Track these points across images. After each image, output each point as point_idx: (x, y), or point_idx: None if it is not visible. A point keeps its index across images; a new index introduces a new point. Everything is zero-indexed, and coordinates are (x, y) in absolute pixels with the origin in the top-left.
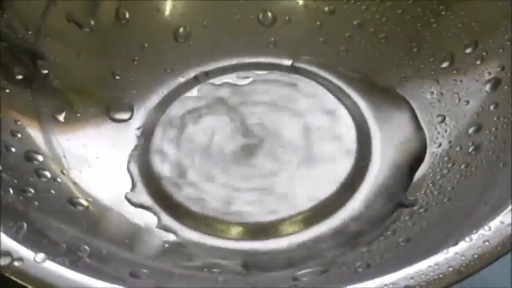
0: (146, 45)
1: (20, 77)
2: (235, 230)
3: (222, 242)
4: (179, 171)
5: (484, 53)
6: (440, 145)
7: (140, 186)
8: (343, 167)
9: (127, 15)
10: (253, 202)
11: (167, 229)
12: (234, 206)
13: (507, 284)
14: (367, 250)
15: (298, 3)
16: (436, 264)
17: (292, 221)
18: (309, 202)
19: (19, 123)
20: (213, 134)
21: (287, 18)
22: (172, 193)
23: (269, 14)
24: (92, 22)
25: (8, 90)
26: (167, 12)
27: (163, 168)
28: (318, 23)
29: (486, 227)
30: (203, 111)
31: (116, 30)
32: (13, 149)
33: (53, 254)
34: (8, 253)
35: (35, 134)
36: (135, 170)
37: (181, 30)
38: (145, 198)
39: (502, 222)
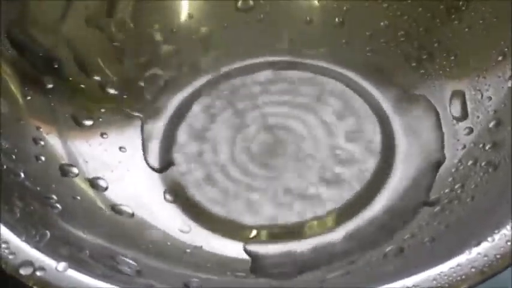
0: (168, 46)
1: (50, 86)
2: (259, 233)
3: (246, 245)
4: (202, 173)
5: (506, 49)
6: (462, 143)
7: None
8: (367, 167)
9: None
10: (276, 204)
11: (191, 233)
12: (258, 208)
13: (507, 284)
14: (391, 250)
15: (317, 3)
16: (458, 265)
17: (316, 223)
18: (333, 203)
19: (41, 129)
20: (236, 135)
21: (308, 18)
22: (196, 195)
23: (289, 14)
24: (111, 26)
25: (29, 98)
26: (188, 14)
27: (185, 169)
28: (338, 22)
29: (508, 227)
30: (225, 111)
31: (136, 34)
32: (43, 158)
33: (76, 262)
34: (29, 263)
35: (57, 140)
36: (158, 173)
37: (203, 31)
38: (169, 200)
39: None
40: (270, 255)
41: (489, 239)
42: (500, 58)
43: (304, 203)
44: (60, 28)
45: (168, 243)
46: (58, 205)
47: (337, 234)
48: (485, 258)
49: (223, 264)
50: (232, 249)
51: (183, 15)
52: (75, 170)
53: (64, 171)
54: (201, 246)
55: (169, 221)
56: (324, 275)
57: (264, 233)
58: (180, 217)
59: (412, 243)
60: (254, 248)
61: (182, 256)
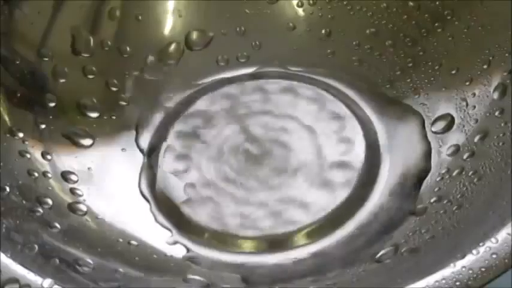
0: (152, 58)
1: (36, 100)
2: (245, 244)
3: (232, 256)
4: (188, 184)
5: (491, 58)
6: (448, 152)
7: (151, 201)
8: (352, 177)
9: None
10: (261, 215)
11: (177, 244)
12: (243, 219)
13: (507, 284)
14: (378, 261)
15: (303, 11)
16: (443, 279)
17: (300, 234)
18: (317, 214)
19: (27, 143)
20: (222, 146)
21: (292, 27)
22: (182, 207)
23: (274, 23)
24: (96, 40)
25: (14, 112)
26: (171, 26)
27: (172, 182)
28: (323, 31)
29: (493, 239)
30: (211, 122)
31: (124, 46)
32: (29, 171)
33: (62, 277)
34: (15, 280)
35: (43, 153)
36: (144, 186)
37: (190, 38)
38: (155, 212)
39: (509, 234)
40: (253, 265)
41: (474, 251)
42: (485, 67)
43: (288, 214)
44: (45, 43)
45: (154, 256)
46: (43, 218)
47: (320, 246)
48: (470, 271)
49: (210, 275)
50: (218, 260)
51: (168, 26)
52: (48, 176)
53: (37, 178)
54: (186, 258)
55: (155, 232)
56: (306, 285)
57: (248, 244)
58: (166, 228)
59: (397, 254)
60: (239, 258)
61: (169, 268)
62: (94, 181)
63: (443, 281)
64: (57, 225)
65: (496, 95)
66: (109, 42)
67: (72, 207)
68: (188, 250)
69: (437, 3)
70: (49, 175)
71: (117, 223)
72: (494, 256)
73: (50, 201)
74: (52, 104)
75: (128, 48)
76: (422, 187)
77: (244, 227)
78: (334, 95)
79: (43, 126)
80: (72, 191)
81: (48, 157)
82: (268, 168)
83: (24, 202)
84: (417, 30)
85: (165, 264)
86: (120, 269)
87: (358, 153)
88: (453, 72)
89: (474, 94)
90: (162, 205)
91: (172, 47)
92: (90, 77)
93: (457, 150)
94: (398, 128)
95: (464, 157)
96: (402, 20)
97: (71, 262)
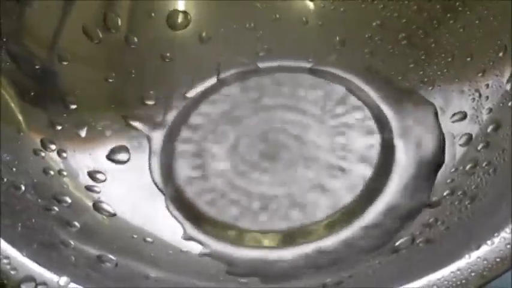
0: (168, 54)
1: (48, 98)
2: (261, 238)
3: (248, 251)
4: (202, 179)
5: (504, 48)
6: (462, 143)
7: (166, 197)
8: (366, 169)
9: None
10: (274, 209)
11: (190, 239)
12: (259, 214)
13: (507, 284)
14: (393, 253)
15: (314, 4)
16: (458, 270)
17: (316, 227)
18: (333, 207)
19: (41, 141)
20: (235, 139)
21: (304, 20)
22: (196, 201)
23: (285, 16)
24: (107, 37)
25: (27, 110)
26: (182, 21)
27: (185, 176)
28: (336, 24)
29: (508, 230)
30: (224, 116)
31: (134, 44)
32: (44, 170)
33: (78, 275)
34: (31, 278)
35: (58, 151)
36: (159, 182)
37: (201, 36)
38: (171, 208)
39: None
40: (267, 260)
41: (488, 242)
42: (499, 56)
43: (301, 209)
44: (56, 41)
45: (170, 252)
46: (59, 216)
47: (336, 239)
48: (485, 262)
49: (227, 271)
50: (237, 255)
51: (179, 21)
52: (64, 174)
53: (52, 176)
54: (202, 254)
55: (171, 228)
56: (324, 279)
57: (260, 238)
58: (180, 225)
59: (413, 246)
60: (253, 253)
61: (185, 264)
62: (108, 178)
63: (459, 272)
64: (73, 223)
65: (509, 86)
66: (121, 38)
67: (96, 206)
68: (204, 246)
69: None
70: (64, 173)
71: (132, 220)
72: (509, 246)
73: (66, 199)
74: (66, 102)
75: (141, 44)
76: (437, 179)
77: (260, 222)
78: (347, 88)
79: (58, 124)
80: (88, 188)
81: (64, 155)
82: (283, 161)
83: (39, 200)
84: (429, 22)
85: (181, 260)
86: (136, 266)
87: (372, 145)
88: (466, 63)
89: (487, 85)
90: (177, 200)
91: (184, 42)
92: (103, 73)
93: (470, 141)
94: (411, 119)
95: (479, 148)
96: (414, 12)
97: (87, 259)
